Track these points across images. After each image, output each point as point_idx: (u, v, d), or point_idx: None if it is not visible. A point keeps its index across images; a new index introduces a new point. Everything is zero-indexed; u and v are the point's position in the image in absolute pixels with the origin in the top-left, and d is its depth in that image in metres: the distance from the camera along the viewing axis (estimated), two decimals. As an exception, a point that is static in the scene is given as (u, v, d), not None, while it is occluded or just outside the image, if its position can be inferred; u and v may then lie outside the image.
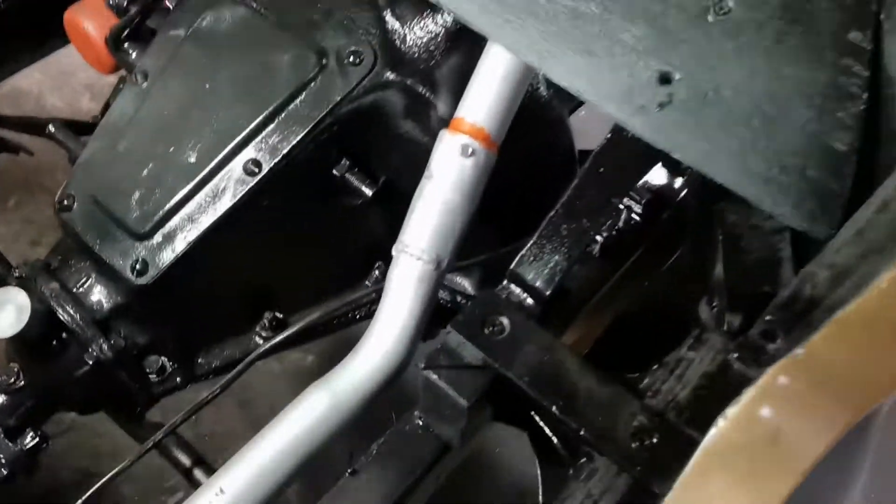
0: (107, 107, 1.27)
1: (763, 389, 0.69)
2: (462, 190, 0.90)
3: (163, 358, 1.15)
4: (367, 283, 1.25)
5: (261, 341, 1.17)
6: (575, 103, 1.34)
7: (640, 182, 1.07)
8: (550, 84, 1.20)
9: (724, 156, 0.78)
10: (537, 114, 1.18)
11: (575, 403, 0.79)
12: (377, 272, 1.24)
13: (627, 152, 0.89)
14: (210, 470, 1.08)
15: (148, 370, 1.13)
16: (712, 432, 0.69)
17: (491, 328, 0.83)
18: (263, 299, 1.19)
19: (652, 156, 0.91)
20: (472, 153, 0.89)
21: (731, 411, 0.69)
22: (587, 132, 1.29)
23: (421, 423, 0.91)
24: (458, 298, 1.26)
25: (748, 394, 0.69)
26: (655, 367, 0.87)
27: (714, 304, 0.89)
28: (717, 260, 0.91)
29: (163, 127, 1.11)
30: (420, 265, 0.90)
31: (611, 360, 0.93)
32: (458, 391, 0.82)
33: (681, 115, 0.79)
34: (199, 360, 1.18)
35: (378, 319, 0.91)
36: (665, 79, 0.79)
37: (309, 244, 1.18)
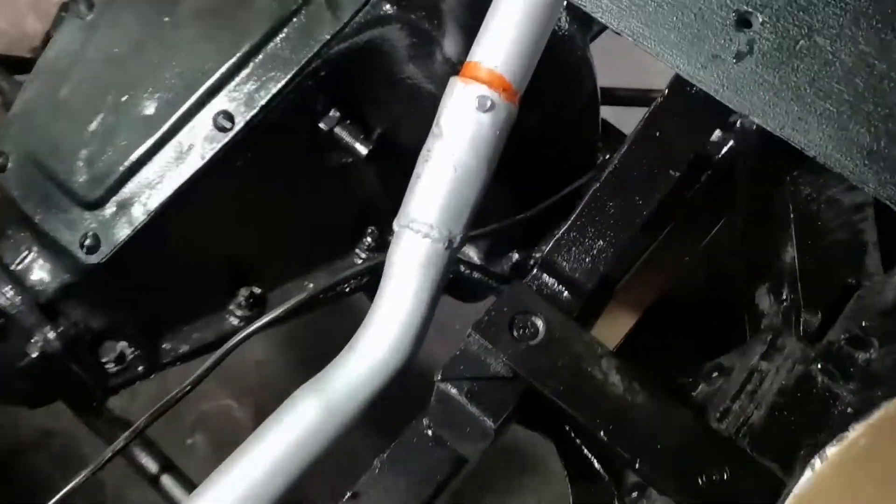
0: (48, 39, 1.09)
1: (874, 427, 0.57)
2: (478, 152, 0.76)
3: (121, 344, 1.02)
4: (357, 251, 1.11)
5: (236, 321, 1.06)
6: (594, 33, 1.18)
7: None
8: (574, 17, 1.03)
9: (817, 121, 0.66)
10: (557, 53, 1.02)
11: (625, 426, 0.67)
12: (370, 238, 1.11)
13: (691, 112, 0.73)
14: (181, 477, 0.95)
15: (104, 359, 1.01)
16: (808, 475, 0.59)
17: (521, 330, 0.71)
18: (239, 273, 1.07)
19: (720, 116, 0.75)
20: (491, 107, 0.76)
21: (832, 451, 0.58)
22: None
23: (431, 433, 0.78)
24: (463, 269, 1.13)
25: (855, 430, 0.58)
26: (714, 373, 0.74)
27: (783, 296, 0.75)
28: (787, 241, 0.78)
29: (114, 69, 0.98)
30: (428, 243, 0.76)
31: (648, 356, 0.80)
32: (483, 409, 0.69)
33: (763, 68, 0.66)
34: (165, 346, 1.05)
35: (377, 309, 0.78)
36: (744, 21, 0.66)
37: (291, 210, 1.06)
